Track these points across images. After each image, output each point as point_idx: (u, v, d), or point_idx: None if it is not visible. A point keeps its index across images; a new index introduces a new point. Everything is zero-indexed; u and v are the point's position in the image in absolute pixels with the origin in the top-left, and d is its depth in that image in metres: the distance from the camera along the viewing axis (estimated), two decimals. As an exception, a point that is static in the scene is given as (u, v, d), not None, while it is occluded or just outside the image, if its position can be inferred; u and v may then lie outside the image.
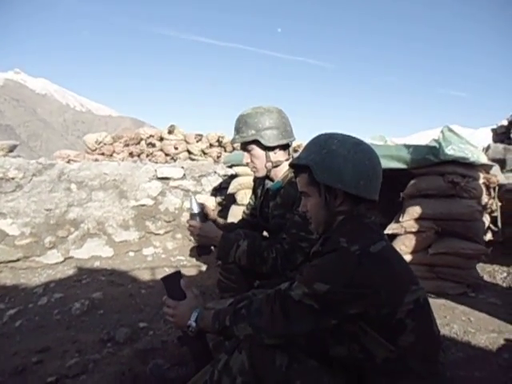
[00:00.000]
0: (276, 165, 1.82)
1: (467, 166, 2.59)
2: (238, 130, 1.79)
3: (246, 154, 1.84)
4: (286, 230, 1.68)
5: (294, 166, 1.21)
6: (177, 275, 1.31)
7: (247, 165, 1.88)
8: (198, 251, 1.80)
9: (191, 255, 3.64)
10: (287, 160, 1.83)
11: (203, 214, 1.79)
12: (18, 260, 3.27)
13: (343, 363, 1.01)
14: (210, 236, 1.73)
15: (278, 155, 1.81)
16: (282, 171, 1.84)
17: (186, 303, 1.24)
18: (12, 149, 4.60)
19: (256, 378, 1.00)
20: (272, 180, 1.89)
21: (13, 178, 3.38)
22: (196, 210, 1.73)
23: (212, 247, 1.80)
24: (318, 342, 1.05)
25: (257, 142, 1.76)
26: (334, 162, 1.06)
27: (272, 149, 1.78)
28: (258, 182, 2.03)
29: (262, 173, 1.85)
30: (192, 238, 1.84)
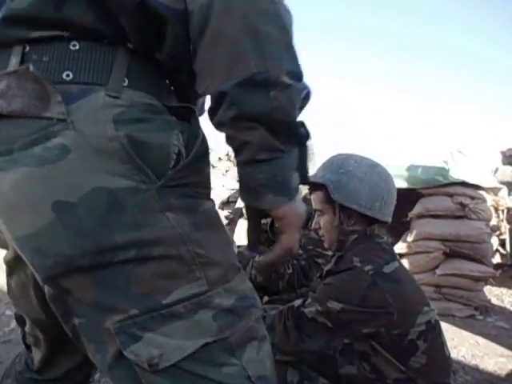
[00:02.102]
0: None
1: (476, 188, 2.60)
2: None
3: None
4: (302, 246, 1.69)
5: (310, 184, 1.23)
6: None
7: None
8: None
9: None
10: None
11: None
12: (26, 267, 3.30)
13: (353, 382, 1.02)
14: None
15: None
16: None
17: None
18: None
19: (267, 394, 1.01)
20: None
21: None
22: None
23: None
24: (328, 360, 1.06)
25: None
26: (350, 183, 1.08)
27: None
28: None
29: None
30: None
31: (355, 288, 0.96)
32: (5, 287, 2.46)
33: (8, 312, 2.60)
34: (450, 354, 1.08)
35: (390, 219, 1.13)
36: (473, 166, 2.64)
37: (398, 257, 1.14)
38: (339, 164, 1.14)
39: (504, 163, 3.95)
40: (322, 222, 1.17)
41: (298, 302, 1.07)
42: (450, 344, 2.05)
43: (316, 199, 1.18)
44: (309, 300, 1.03)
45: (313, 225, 1.22)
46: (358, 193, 1.08)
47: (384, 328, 0.94)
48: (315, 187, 1.18)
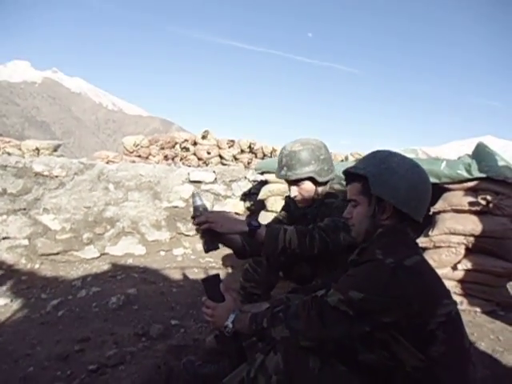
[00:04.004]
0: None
1: (501, 183, 2.56)
2: (289, 167, 1.79)
3: (293, 188, 1.85)
4: (329, 216, 1.71)
5: (349, 174, 1.26)
6: (217, 278, 1.40)
7: (294, 197, 1.88)
8: (206, 247, 1.58)
9: (219, 258, 3.75)
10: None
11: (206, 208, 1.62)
12: (57, 253, 3.48)
13: (372, 369, 1.07)
14: (228, 219, 1.54)
15: (323, 188, 1.86)
16: (318, 199, 1.88)
17: (225, 305, 1.32)
18: (56, 148, 4.87)
19: (289, 378, 1.07)
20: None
21: (57, 176, 3.60)
22: (199, 202, 1.57)
23: (219, 244, 1.63)
24: (348, 348, 1.11)
25: (311, 178, 1.80)
26: (391, 178, 1.12)
27: (321, 184, 1.84)
28: (294, 206, 2.03)
29: (307, 203, 1.88)
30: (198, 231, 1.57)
31: (376, 279, 1.01)
32: (41, 273, 2.67)
33: (43, 295, 2.76)
34: (470, 346, 1.11)
35: (421, 220, 1.17)
36: (498, 160, 2.59)
37: (421, 251, 1.18)
38: (382, 159, 1.18)
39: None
40: (355, 212, 1.22)
41: (321, 292, 1.13)
42: (470, 338, 2.08)
43: (353, 190, 1.23)
44: (331, 290, 1.09)
45: (344, 214, 1.26)
46: (397, 189, 1.12)
47: (404, 318, 0.99)
48: (353, 178, 1.22)
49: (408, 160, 1.20)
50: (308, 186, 1.82)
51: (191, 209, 1.62)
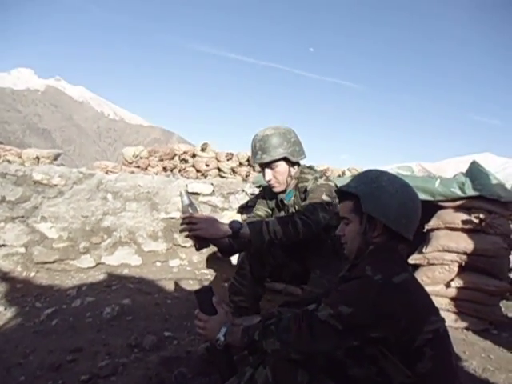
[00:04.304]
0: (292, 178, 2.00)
1: (494, 202, 2.60)
2: (263, 150, 1.91)
3: (268, 171, 1.96)
4: (305, 200, 1.83)
5: (341, 192, 1.31)
6: (209, 291, 1.42)
7: (269, 181, 1.99)
8: (197, 244, 1.63)
9: (214, 270, 3.76)
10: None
11: (195, 207, 1.66)
12: (54, 262, 3.48)
13: (360, 384, 1.09)
14: (211, 225, 1.60)
15: (296, 170, 2.00)
16: (291, 182, 2.01)
17: (217, 318, 1.34)
18: (56, 157, 4.91)
19: (278, 392, 1.09)
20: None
21: (56, 185, 3.62)
22: (187, 201, 1.62)
23: (210, 243, 1.67)
24: (337, 363, 1.13)
25: (284, 159, 1.92)
26: (382, 197, 1.17)
27: (294, 164, 1.98)
28: (269, 196, 2.16)
29: (282, 187, 2.00)
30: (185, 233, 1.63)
31: (365, 295, 1.04)
32: (36, 281, 2.68)
33: (37, 304, 2.77)
34: (457, 364, 1.13)
35: (411, 237, 1.21)
36: (491, 179, 2.63)
37: (409, 269, 1.21)
38: (373, 178, 1.22)
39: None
40: (347, 230, 1.26)
41: (312, 306, 1.15)
42: (461, 357, 2.09)
43: (345, 208, 1.27)
44: (322, 305, 1.11)
45: (337, 231, 1.31)
46: (387, 207, 1.16)
47: (391, 333, 1.01)
48: (345, 196, 1.26)
49: (398, 179, 1.24)
50: (282, 167, 1.94)
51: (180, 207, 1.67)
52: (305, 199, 1.83)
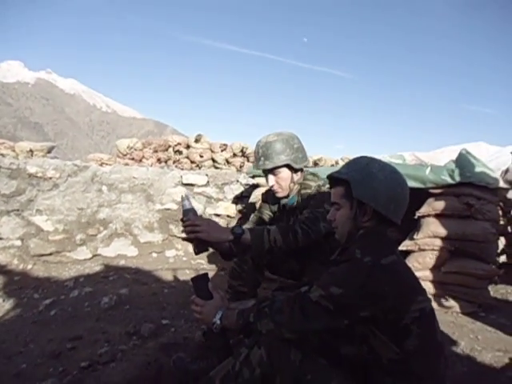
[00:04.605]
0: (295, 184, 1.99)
1: (483, 189, 2.66)
2: (266, 157, 1.90)
3: (271, 177, 1.95)
4: (307, 207, 1.83)
5: (332, 179, 1.34)
6: (205, 277, 1.46)
7: (272, 187, 1.98)
8: (196, 249, 1.63)
9: (210, 260, 3.81)
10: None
11: (196, 211, 1.67)
12: (50, 254, 3.51)
13: (351, 362, 1.14)
14: (213, 229, 1.62)
15: (299, 176, 1.99)
16: (294, 188, 2.00)
17: (213, 303, 1.39)
18: (50, 150, 4.90)
19: (273, 370, 1.14)
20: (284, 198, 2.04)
21: (50, 178, 3.64)
22: (189, 206, 1.63)
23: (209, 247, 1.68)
24: (330, 342, 1.18)
25: (287, 166, 1.91)
26: (372, 183, 1.21)
27: (297, 171, 1.96)
28: (272, 201, 2.15)
29: (285, 193, 1.99)
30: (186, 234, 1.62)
31: (354, 276, 1.09)
32: (33, 273, 2.72)
33: (35, 295, 2.80)
34: (443, 341, 1.19)
35: (399, 222, 1.25)
36: (480, 166, 2.69)
37: (398, 252, 1.25)
38: (363, 165, 1.26)
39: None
40: (338, 214, 1.30)
41: (304, 289, 1.20)
42: (450, 338, 2.17)
43: (336, 193, 1.31)
44: (314, 286, 1.16)
45: (328, 216, 1.35)
46: (377, 193, 1.20)
47: (380, 313, 1.06)
48: (337, 182, 1.30)
49: (387, 166, 1.28)
50: (285, 173, 1.93)
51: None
52: (307, 206, 1.84)
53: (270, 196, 2.16)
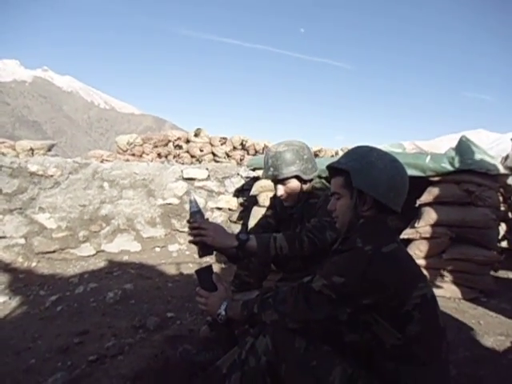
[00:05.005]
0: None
1: (483, 176, 2.67)
2: (276, 167, 1.90)
3: (280, 186, 1.94)
4: (314, 216, 1.82)
5: (332, 169, 1.35)
6: (209, 269, 1.48)
7: (280, 196, 1.97)
8: (200, 252, 1.63)
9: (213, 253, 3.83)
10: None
11: (203, 214, 1.66)
12: (54, 251, 3.54)
13: (355, 348, 1.16)
14: (219, 234, 1.61)
15: (308, 185, 1.98)
16: (302, 197, 1.98)
17: (217, 294, 1.40)
18: (50, 148, 4.91)
19: (278, 358, 1.16)
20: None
21: (52, 176, 3.65)
22: (196, 208, 1.62)
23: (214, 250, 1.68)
24: (334, 330, 1.20)
25: (296, 177, 1.91)
26: (371, 172, 1.21)
27: (306, 181, 1.95)
28: (280, 208, 2.13)
29: (293, 201, 1.98)
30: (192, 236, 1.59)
31: (355, 264, 1.10)
32: (38, 271, 2.74)
33: (41, 292, 2.83)
34: (445, 326, 1.21)
35: (399, 210, 1.26)
36: (480, 153, 2.69)
37: (398, 239, 1.27)
38: (363, 154, 1.26)
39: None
40: (339, 204, 1.31)
41: (307, 279, 1.21)
42: (453, 324, 2.19)
43: (336, 183, 1.31)
44: (316, 276, 1.18)
45: (329, 206, 1.35)
46: (376, 182, 1.21)
47: (381, 300, 1.08)
48: (337, 172, 1.31)
49: (387, 155, 1.28)
50: (294, 184, 1.92)
51: (186, 205, 1.71)
52: (314, 215, 1.83)
53: (277, 202, 2.13)
